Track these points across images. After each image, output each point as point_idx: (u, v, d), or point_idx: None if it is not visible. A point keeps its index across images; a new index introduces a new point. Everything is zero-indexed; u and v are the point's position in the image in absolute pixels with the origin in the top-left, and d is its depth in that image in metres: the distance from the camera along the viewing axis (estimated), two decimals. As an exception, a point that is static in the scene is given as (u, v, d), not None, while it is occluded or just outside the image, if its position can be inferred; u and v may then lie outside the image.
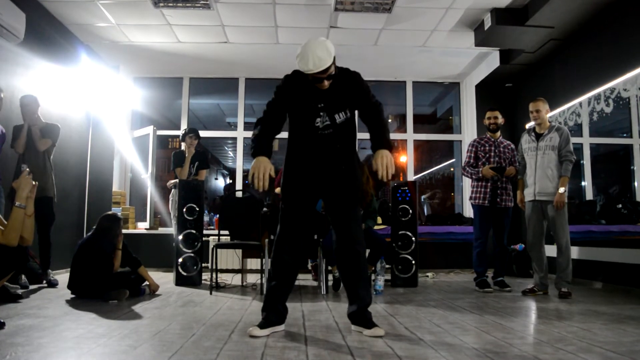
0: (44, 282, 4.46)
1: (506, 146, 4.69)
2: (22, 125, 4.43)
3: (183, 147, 5.59)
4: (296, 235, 2.60)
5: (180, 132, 7.19)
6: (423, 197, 8.33)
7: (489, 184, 4.56)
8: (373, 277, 4.39)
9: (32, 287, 4.30)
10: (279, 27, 5.63)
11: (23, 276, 4.25)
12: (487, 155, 4.63)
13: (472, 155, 4.71)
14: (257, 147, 2.52)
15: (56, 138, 4.61)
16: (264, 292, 2.66)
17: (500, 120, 4.71)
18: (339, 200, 2.63)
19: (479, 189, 4.61)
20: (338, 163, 2.61)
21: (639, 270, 4.22)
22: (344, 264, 2.64)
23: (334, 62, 2.48)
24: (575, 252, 4.40)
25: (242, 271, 5.10)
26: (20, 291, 3.89)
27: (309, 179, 2.62)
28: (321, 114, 2.56)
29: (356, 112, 2.70)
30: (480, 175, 4.56)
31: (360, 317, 2.58)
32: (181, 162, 5.45)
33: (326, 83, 2.50)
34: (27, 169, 2.79)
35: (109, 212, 4.08)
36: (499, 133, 4.73)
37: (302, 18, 5.37)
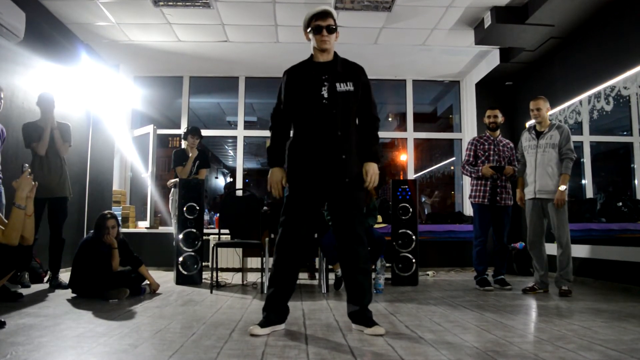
0: (46, 282, 4.43)
1: (505, 145, 4.69)
2: (35, 122, 4.40)
3: (184, 146, 5.60)
4: (298, 236, 2.59)
5: (180, 132, 7.22)
6: (423, 198, 8.33)
7: (488, 183, 4.56)
8: (373, 275, 4.39)
9: (33, 286, 4.30)
10: (279, 25, 5.62)
11: (26, 274, 4.25)
12: (487, 153, 4.63)
13: (472, 153, 4.71)
14: (270, 158, 2.68)
15: (71, 139, 4.63)
16: (265, 291, 2.66)
17: (500, 118, 4.71)
18: (342, 199, 2.62)
19: (478, 188, 4.62)
20: (335, 147, 2.58)
21: (639, 268, 4.23)
22: (345, 263, 2.65)
23: (335, 21, 2.67)
24: (575, 250, 4.40)
25: (243, 270, 5.11)
26: (20, 290, 3.89)
27: (313, 178, 2.59)
28: (325, 85, 2.61)
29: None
30: (480, 174, 4.57)
31: (361, 316, 2.59)
32: (182, 161, 5.45)
33: (325, 34, 2.61)
34: (29, 169, 2.78)
35: (103, 212, 4.07)
36: (498, 132, 4.73)
37: (302, 17, 5.29)
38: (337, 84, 2.61)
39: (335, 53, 2.72)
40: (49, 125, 4.38)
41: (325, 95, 2.59)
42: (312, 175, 2.60)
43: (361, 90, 2.67)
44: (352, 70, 2.69)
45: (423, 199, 8.27)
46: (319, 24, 2.61)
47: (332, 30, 2.63)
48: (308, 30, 2.67)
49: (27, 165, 2.86)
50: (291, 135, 2.72)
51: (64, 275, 4.58)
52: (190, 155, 5.46)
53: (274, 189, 2.63)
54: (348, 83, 2.63)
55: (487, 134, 4.74)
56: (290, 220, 2.60)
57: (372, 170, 2.62)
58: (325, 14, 2.62)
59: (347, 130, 2.61)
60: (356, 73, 2.69)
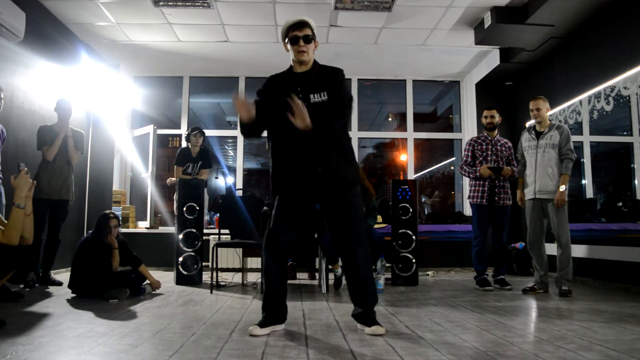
0: (44, 282, 4.45)
1: (503, 144, 4.69)
2: (51, 127, 4.48)
3: (188, 145, 5.66)
4: (281, 239, 2.61)
5: (180, 132, 7.23)
6: (423, 198, 8.31)
7: (486, 183, 4.56)
8: (374, 275, 4.39)
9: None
10: (279, 25, 5.62)
11: (32, 274, 4.25)
12: (484, 154, 4.63)
13: (470, 154, 4.71)
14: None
15: (83, 147, 4.74)
16: (263, 292, 2.68)
17: (497, 119, 4.71)
18: (332, 208, 2.62)
19: (476, 188, 4.62)
20: (310, 160, 2.55)
21: (639, 268, 4.23)
22: (345, 266, 2.65)
23: (312, 31, 2.63)
24: (575, 250, 4.40)
25: (243, 270, 5.11)
26: (22, 286, 3.90)
27: (295, 192, 2.61)
28: (300, 97, 2.56)
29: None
30: (478, 174, 4.57)
31: (364, 316, 2.60)
32: (185, 161, 5.53)
33: (302, 44, 2.57)
34: (25, 168, 2.77)
35: (104, 212, 4.07)
36: (496, 131, 4.73)
37: (302, 16, 5.36)
38: (311, 95, 2.57)
39: (314, 62, 2.68)
40: (63, 132, 4.48)
41: None
42: (294, 188, 2.61)
43: (333, 95, 2.58)
44: (327, 77, 2.62)
45: (423, 199, 8.25)
46: (296, 34, 2.59)
47: (309, 40, 2.60)
48: (286, 41, 2.65)
49: (23, 164, 2.84)
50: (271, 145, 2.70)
51: (64, 276, 4.59)
52: (194, 155, 5.53)
53: (240, 105, 2.50)
54: (322, 93, 2.58)
55: (485, 134, 4.74)
56: (274, 230, 2.61)
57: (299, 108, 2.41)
58: (301, 24, 2.60)
59: (322, 142, 2.56)
60: (330, 78, 2.62)
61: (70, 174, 4.61)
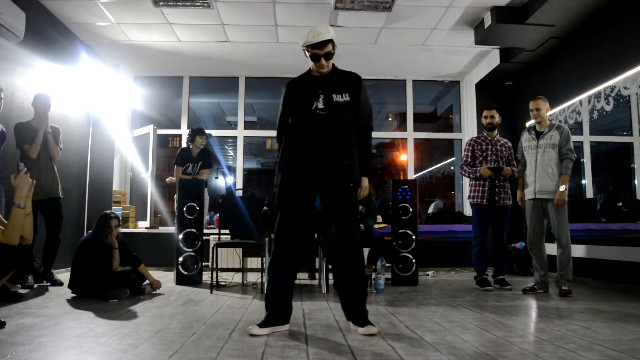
0: (45, 281, 4.44)
1: (503, 144, 4.68)
2: (28, 123, 4.37)
3: (189, 145, 5.66)
4: (293, 235, 2.61)
5: (180, 132, 7.23)
6: (441, 204, 8.25)
7: (486, 183, 4.56)
8: (374, 275, 4.39)
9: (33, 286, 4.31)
10: (279, 25, 5.62)
11: (30, 277, 4.24)
12: (484, 154, 4.63)
13: (469, 154, 4.71)
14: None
15: (61, 143, 4.65)
16: (265, 291, 2.68)
17: (497, 119, 4.71)
18: (343, 204, 2.63)
19: (476, 188, 4.61)
20: (336, 153, 2.62)
21: (639, 268, 4.23)
22: (339, 265, 2.66)
23: (333, 44, 2.64)
24: (575, 250, 4.40)
25: (243, 270, 5.11)
26: (22, 291, 3.89)
27: (305, 175, 2.63)
28: (320, 97, 2.63)
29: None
30: (478, 174, 4.57)
31: (355, 316, 2.60)
32: (185, 161, 5.53)
33: (324, 62, 2.62)
34: (25, 168, 2.77)
35: (104, 211, 4.06)
36: (496, 131, 4.73)
37: (302, 16, 5.36)
38: (334, 95, 2.64)
39: (333, 65, 2.73)
40: (43, 127, 4.36)
41: (320, 106, 2.62)
42: (310, 180, 2.62)
43: (356, 99, 2.69)
44: (348, 80, 2.72)
45: (440, 205, 8.14)
46: (317, 53, 2.61)
47: (330, 56, 2.64)
48: (307, 53, 2.65)
49: (22, 164, 2.85)
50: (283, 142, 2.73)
51: (64, 276, 4.59)
52: (194, 155, 5.54)
53: None
54: (344, 94, 2.65)
55: (485, 134, 4.74)
56: (285, 219, 2.62)
57: (364, 184, 2.77)
58: (322, 44, 2.59)
59: (346, 138, 2.65)
60: (351, 82, 2.71)
61: (55, 171, 4.51)
